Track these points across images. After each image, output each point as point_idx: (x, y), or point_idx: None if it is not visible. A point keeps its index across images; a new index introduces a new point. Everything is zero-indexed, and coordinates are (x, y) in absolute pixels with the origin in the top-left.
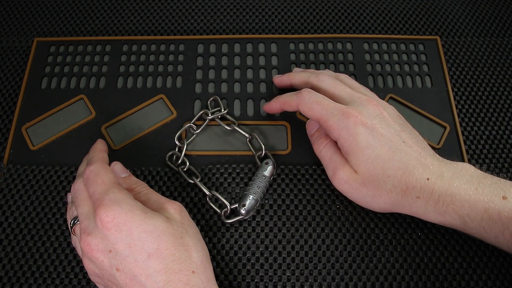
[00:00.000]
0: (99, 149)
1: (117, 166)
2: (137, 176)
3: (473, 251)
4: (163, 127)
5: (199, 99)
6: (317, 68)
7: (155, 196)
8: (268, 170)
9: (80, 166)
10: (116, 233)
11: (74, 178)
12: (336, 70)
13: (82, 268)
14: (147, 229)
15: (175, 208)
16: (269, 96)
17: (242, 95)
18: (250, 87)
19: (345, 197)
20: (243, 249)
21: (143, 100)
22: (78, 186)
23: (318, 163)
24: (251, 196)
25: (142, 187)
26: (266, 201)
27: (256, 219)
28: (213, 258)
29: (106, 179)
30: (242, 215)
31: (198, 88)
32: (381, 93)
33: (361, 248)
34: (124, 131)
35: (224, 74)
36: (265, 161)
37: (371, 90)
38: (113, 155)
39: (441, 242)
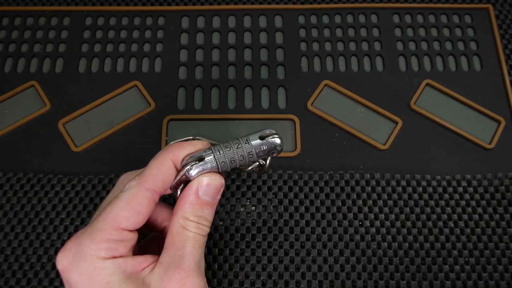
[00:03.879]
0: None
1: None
2: (104, 186)
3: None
4: (138, 122)
5: (184, 87)
6: (334, 49)
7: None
8: (259, 141)
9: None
10: None
11: (23, 186)
12: (359, 49)
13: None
14: None
15: None
16: (273, 85)
17: (238, 82)
18: (248, 72)
19: (374, 215)
20: (239, 277)
21: (112, 89)
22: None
23: (335, 167)
24: (209, 156)
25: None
26: (269, 216)
27: (257, 239)
28: None
29: None
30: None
31: (182, 73)
32: (416, 78)
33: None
34: (88, 128)
35: (216, 55)
36: (271, 132)
37: (402, 74)
38: (72, 159)
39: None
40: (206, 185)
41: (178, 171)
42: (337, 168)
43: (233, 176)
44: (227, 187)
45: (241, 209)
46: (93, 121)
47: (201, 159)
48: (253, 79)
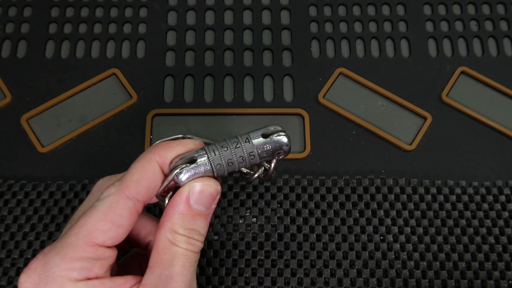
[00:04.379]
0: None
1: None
2: (76, 194)
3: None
4: (117, 118)
5: (171, 75)
6: (350, 30)
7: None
8: (261, 140)
9: None
10: None
11: None
12: (380, 31)
13: None
14: None
15: None
16: (277, 73)
17: (236, 70)
18: (248, 58)
19: (398, 228)
20: None
21: (86, 77)
22: None
23: (352, 172)
24: (202, 158)
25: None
26: (273, 229)
27: (258, 257)
28: None
29: None
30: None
31: (170, 59)
32: (449, 65)
33: None
34: (57, 124)
35: (210, 37)
36: (277, 128)
37: (433, 60)
38: (38, 161)
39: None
40: (198, 192)
41: (166, 176)
42: (353, 173)
43: (230, 182)
44: (223, 194)
45: (240, 221)
46: (63, 116)
47: (192, 161)
48: (254, 67)
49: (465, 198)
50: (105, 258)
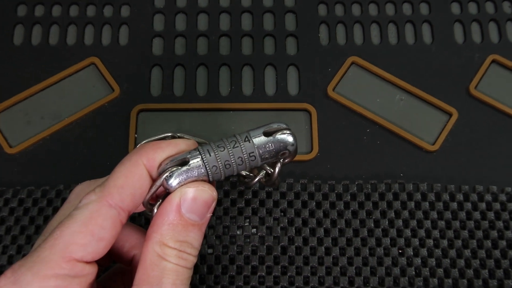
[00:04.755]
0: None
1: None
2: (50, 202)
3: None
4: (96, 114)
5: (159, 65)
6: (364, 14)
7: None
8: (263, 139)
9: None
10: None
11: None
12: (398, 14)
13: None
14: None
15: None
16: (281, 63)
17: (233, 60)
18: (247, 46)
19: (419, 240)
20: None
21: (60, 68)
22: None
23: (366, 176)
24: (195, 159)
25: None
26: (275, 241)
27: (259, 273)
28: None
29: None
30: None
31: (157, 46)
32: (478, 53)
33: None
34: (27, 121)
35: (203, 22)
36: (280, 126)
37: (459, 48)
38: (5, 164)
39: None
40: (191, 199)
41: (154, 181)
42: (368, 177)
43: (226, 187)
44: (219, 201)
45: (238, 232)
46: (34, 112)
47: (184, 163)
48: (253, 55)
49: (497, 206)
50: (84, 275)
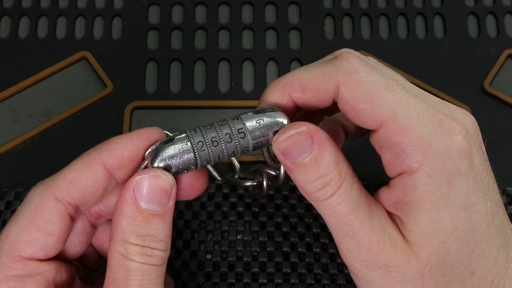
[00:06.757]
0: None
1: None
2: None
3: None
4: (88, 111)
5: (155, 60)
6: (371, 5)
7: None
8: (252, 115)
9: None
10: None
11: None
12: (408, 6)
13: None
14: None
15: None
16: (283, 58)
17: (233, 54)
18: (247, 40)
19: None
20: None
21: (50, 62)
22: None
23: (365, 176)
24: (181, 135)
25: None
26: (278, 247)
27: (260, 280)
28: None
29: None
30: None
31: (152, 41)
32: (493, 47)
33: None
34: (14, 119)
35: (201, 14)
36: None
37: (473, 42)
38: None
39: None
40: (147, 187)
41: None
42: (375, 182)
43: (225, 190)
44: (216, 204)
45: (238, 237)
46: (22, 110)
47: (170, 140)
48: (254, 50)
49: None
50: (39, 273)
